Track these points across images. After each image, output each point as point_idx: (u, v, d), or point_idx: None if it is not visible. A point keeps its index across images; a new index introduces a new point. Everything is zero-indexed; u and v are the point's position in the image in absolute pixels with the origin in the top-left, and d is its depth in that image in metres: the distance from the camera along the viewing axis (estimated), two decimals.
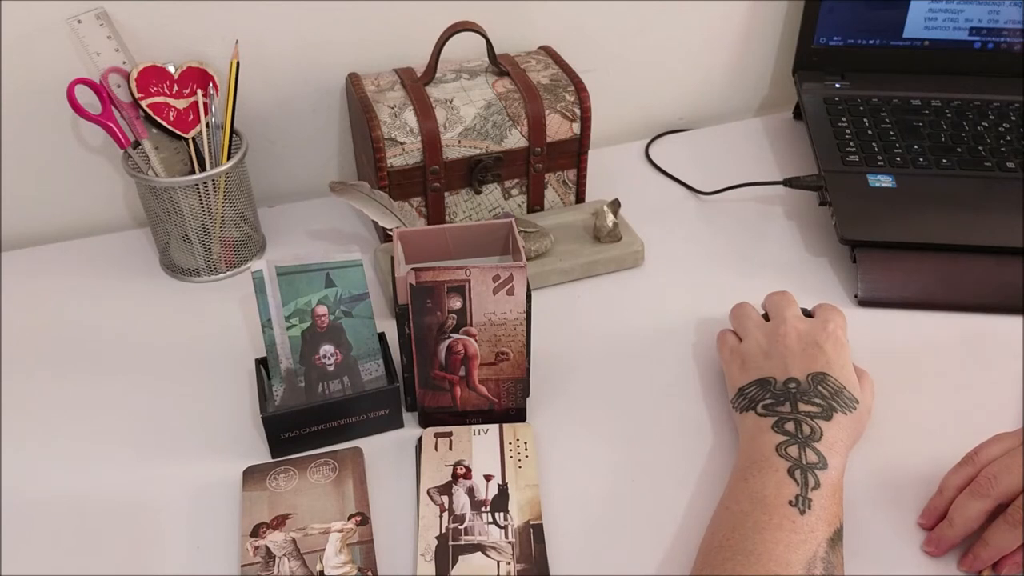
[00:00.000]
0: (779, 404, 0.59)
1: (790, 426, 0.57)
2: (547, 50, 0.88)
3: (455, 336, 0.61)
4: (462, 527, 0.57)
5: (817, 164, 0.86)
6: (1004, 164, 0.85)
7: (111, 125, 0.77)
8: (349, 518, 0.57)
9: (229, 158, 0.78)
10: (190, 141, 0.79)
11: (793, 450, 0.55)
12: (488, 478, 0.60)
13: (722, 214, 0.89)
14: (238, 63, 0.78)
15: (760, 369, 0.63)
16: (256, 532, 0.56)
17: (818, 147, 0.87)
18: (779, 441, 0.56)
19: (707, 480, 0.62)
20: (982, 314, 0.75)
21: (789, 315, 0.65)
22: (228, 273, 0.81)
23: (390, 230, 0.72)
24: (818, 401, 0.59)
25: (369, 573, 0.54)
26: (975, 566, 0.54)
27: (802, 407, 0.58)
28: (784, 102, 1.07)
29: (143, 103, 0.76)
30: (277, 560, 0.55)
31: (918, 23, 0.95)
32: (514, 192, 0.84)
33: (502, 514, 0.58)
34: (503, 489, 0.59)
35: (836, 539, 0.52)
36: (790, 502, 0.52)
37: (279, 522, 0.57)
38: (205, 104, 0.79)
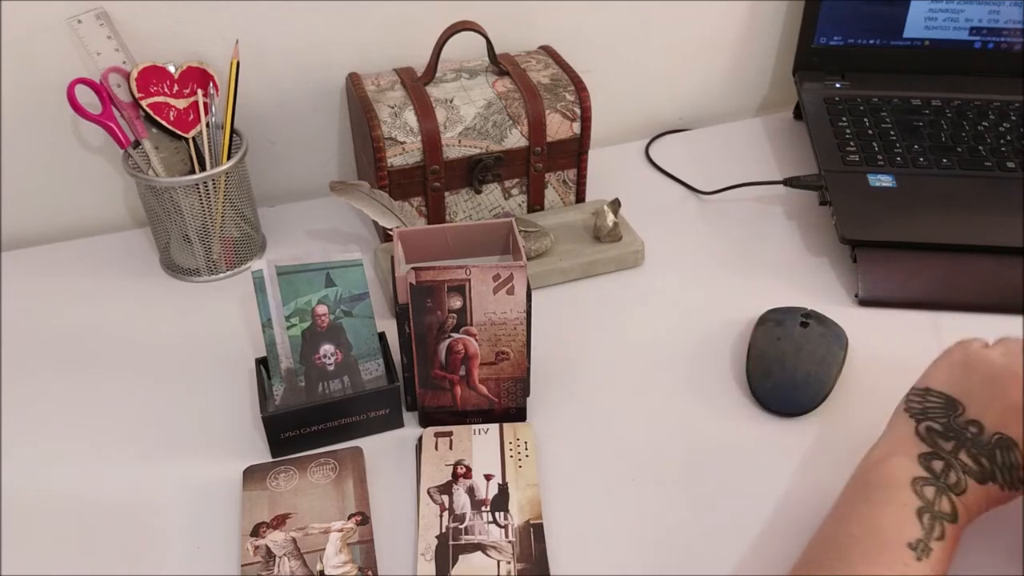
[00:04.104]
0: (945, 438, 0.52)
1: (938, 465, 0.51)
2: (547, 50, 0.88)
3: (455, 336, 0.61)
4: (462, 526, 0.57)
5: (817, 164, 0.86)
6: (1004, 164, 0.85)
7: (111, 125, 0.77)
8: (349, 518, 0.57)
9: (229, 158, 0.78)
10: (190, 141, 0.79)
11: (929, 491, 0.50)
12: (488, 477, 0.60)
13: (722, 214, 0.89)
14: (238, 63, 0.78)
15: (960, 387, 0.54)
16: (256, 532, 0.56)
17: (818, 147, 0.87)
18: (918, 475, 0.51)
19: (707, 480, 0.62)
20: (982, 314, 0.75)
21: None
22: (228, 273, 0.81)
23: (390, 230, 0.72)
24: (984, 463, 0.51)
25: (369, 573, 0.54)
26: None
27: (963, 457, 0.51)
28: (784, 102, 1.07)
29: (143, 103, 0.76)
30: (277, 560, 0.55)
31: (918, 23, 0.95)
32: (514, 192, 0.84)
33: (502, 513, 0.58)
34: (503, 488, 0.59)
35: None
36: (909, 544, 0.48)
37: (279, 522, 0.57)
38: (205, 104, 0.79)
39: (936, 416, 0.53)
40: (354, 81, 0.82)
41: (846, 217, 0.79)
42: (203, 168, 0.79)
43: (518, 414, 0.65)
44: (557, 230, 0.82)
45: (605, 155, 0.97)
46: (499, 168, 0.81)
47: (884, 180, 0.83)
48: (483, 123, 0.79)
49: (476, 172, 0.80)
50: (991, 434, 0.51)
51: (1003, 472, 0.51)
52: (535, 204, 0.85)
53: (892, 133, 0.89)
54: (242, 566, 0.55)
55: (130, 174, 0.76)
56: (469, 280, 0.59)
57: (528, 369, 0.64)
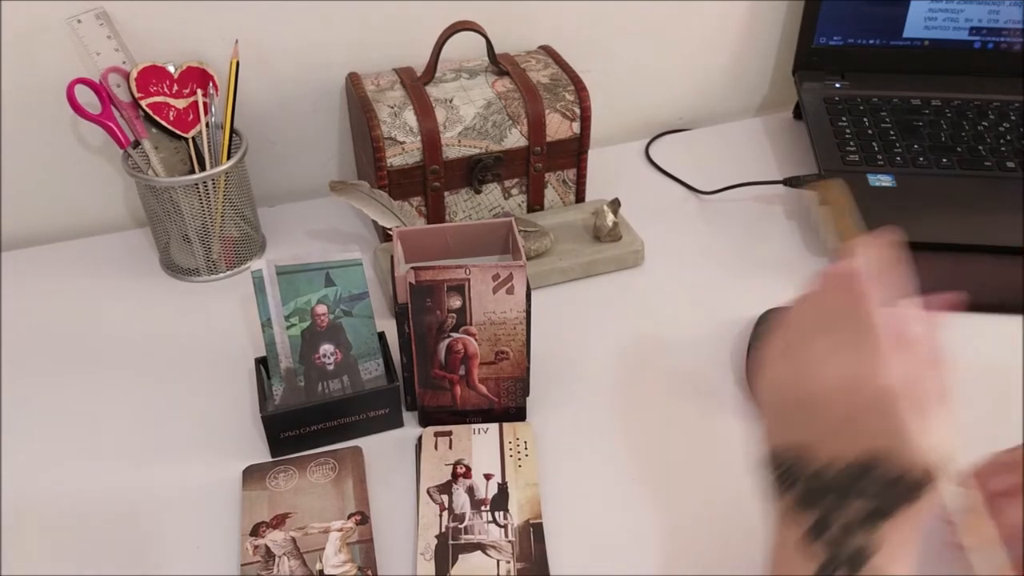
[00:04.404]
0: (819, 495, 0.40)
1: (832, 533, 0.40)
2: (547, 50, 0.88)
3: (455, 335, 0.61)
4: (462, 526, 0.57)
5: (817, 164, 0.86)
6: (1004, 164, 0.85)
7: (111, 125, 0.77)
8: (349, 517, 0.57)
9: (229, 158, 0.78)
10: (190, 141, 0.79)
11: None
12: (488, 477, 0.60)
13: (722, 214, 0.89)
14: (238, 63, 0.78)
15: (789, 429, 0.42)
16: (256, 531, 0.56)
17: (818, 147, 0.87)
18: (817, 567, 0.40)
19: (706, 479, 0.61)
20: (982, 314, 0.75)
21: (820, 342, 0.43)
22: (228, 273, 0.81)
23: (390, 229, 0.72)
24: (872, 492, 0.39)
25: (369, 572, 0.54)
26: None
27: (852, 503, 0.40)
28: (784, 102, 1.07)
29: (143, 103, 0.76)
30: (277, 559, 0.55)
31: (918, 23, 0.95)
32: (514, 192, 0.84)
33: (502, 513, 0.58)
34: (503, 488, 0.59)
35: None
36: None
37: (279, 521, 0.57)
38: (205, 104, 0.79)
39: (795, 476, 0.41)
40: (354, 81, 0.82)
41: None
42: (203, 168, 0.79)
43: (518, 414, 0.65)
44: (557, 230, 0.82)
45: (605, 155, 0.97)
46: (499, 168, 0.81)
47: (884, 180, 0.83)
48: (483, 123, 0.79)
49: (476, 172, 0.80)
50: (851, 463, 0.40)
51: (894, 491, 0.39)
52: (535, 204, 0.85)
53: (892, 133, 0.89)
54: (242, 566, 0.55)
55: (130, 174, 0.76)
56: (469, 280, 0.59)
57: (528, 369, 0.64)
